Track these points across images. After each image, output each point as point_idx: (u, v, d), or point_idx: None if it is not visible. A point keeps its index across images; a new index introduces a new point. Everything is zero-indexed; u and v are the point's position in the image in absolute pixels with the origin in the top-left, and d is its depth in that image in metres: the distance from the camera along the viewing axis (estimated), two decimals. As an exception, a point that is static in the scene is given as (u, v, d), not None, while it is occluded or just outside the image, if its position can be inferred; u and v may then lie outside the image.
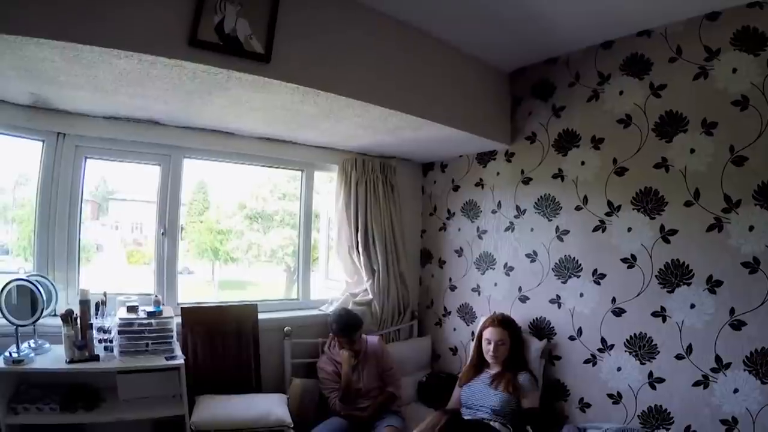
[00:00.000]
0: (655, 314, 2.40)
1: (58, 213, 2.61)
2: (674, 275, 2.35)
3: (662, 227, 2.40)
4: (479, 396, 2.62)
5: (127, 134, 2.73)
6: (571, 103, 2.84)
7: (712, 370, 2.19)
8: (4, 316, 2.14)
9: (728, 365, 2.15)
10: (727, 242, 2.19)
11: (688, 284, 2.30)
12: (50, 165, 2.59)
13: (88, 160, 2.73)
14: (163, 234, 2.91)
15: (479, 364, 2.77)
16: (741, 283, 2.13)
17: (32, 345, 2.26)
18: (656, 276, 2.41)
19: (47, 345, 2.33)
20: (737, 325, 2.13)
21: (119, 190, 3.63)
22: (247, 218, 4.01)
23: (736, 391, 2.12)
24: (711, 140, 2.26)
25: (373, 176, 3.43)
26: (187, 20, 1.86)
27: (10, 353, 2.12)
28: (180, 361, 2.36)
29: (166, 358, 2.36)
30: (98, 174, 3.20)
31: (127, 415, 2.28)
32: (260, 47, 2.01)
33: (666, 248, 2.39)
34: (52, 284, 2.44)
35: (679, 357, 2.30)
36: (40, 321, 2.31)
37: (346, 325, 2.80)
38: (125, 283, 3.40)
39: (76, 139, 2.64)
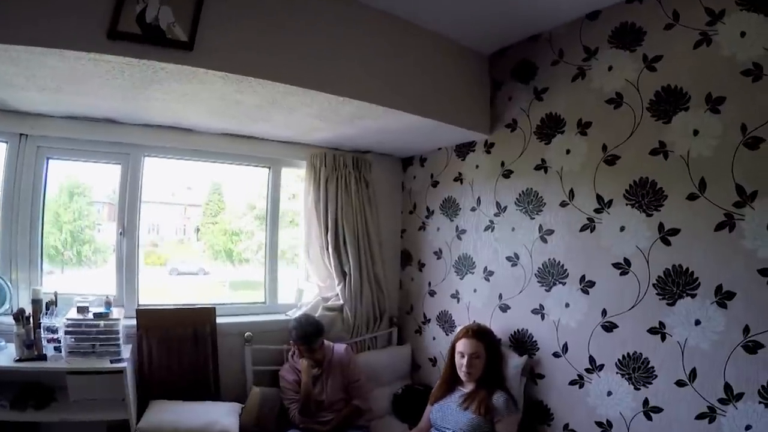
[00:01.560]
0: (652, 331, 1.91)
1: (20, 214, 2.48)
2: (675, 284, 1.85)
3: (661, 226, 1.91)
4: (449, 417, 2.20)
5: (87, 134, 2.55)
6: (555, 84, 2.36)
7: (721, 401, 1.69)
8: None
9: (740, 396, 1.65)
10: (740, 244, 1.69)
11: (693, 295, 1.80)
12: (13, 166, 2.47)
13: (50, 160, 2.58)
14: (121, 234, 2.67)
15: (451, 380, 2.33)
16: (757, 294, 1.63)
17: None
18: (654, 285, 1.92)
19: (3, 342, 2.26)
20: (752, 347, 1.63)
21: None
22: (257, 219, 3.78)
23: (748, 428, 1.63)
24: (718, 119, 1.76)
25: (345, 172, 3.02)
26: (106, 12, 1.68)
27: None
28: (124, 364, 2.19)
29: (111, 361, 2.20)
30: (115, 178, 3.04)
31: (74, 416, 2.17)
32: (183, 35, 1.78)
33: (666, 251, 1.90)
34: (7, 284, 2.36)
35: (680, 383, 1.81)
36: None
37: (304, 332, 2.49)
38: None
39: (38, 140, 2.51)
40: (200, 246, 3.65)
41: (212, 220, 3.64)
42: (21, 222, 2.48)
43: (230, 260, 3.60)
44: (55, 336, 2.20)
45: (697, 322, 1.77)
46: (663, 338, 1.87)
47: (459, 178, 2.90)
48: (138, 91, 2.08)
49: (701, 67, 1.81)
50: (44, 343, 2.18)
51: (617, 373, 2.02)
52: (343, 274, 2.99)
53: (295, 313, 2.92)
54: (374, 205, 3.16)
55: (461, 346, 2.26)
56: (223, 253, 3.61)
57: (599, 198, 2.14)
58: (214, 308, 2.69)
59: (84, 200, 3.01)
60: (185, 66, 1.79)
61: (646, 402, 1.91)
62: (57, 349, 2.20)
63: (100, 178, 2.86)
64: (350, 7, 2.18)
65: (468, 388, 2.24)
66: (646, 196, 1.97)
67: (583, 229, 2.20)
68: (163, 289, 3.23)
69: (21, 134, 2.47)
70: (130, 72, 1.85)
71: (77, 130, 2.52)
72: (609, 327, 2.07)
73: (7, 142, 2.47)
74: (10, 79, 1.94)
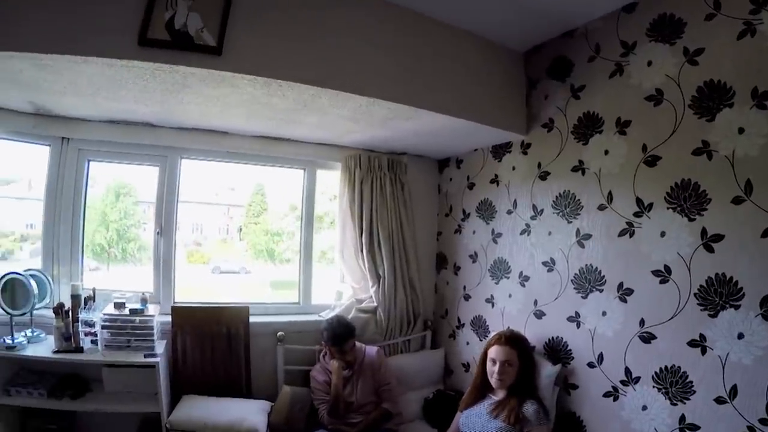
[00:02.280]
0: (692, 343, 1.81)
1: (62, 213, 2.66)
2: (718, 294, 1.74)
3: (704, 231, 1.80)
4: (478, 424, 2.18)
5: (125, 137, 2.69)
6: (592, 81, 2.29)
7: (762, 421, 1.58)
8: (0, 307, 2.24)
9: (788, 418, 1.53)
10: (789, 252, 1.56)
11: (736, 307, 1.68)
12: (55, 168, 2.65)
13: (91, 162, 2.77)
14: (158, 233, 2.83)
15: (482, 386, 2.30)
16: (809, 308, 1.51)
17: (28, 334, 2.36)
18: (695, 294, 1.81)
19: (43, 335, 2.42)
20: (802, 366, 1.51)
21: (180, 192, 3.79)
22: (299, 219, 3.93)
23: (795, 453, 1.50)
24: (765, 115, 1.64)
25: (380, 174, 3.07)
26: (137, 20, 1.78)
27: (4, 340, 2.24)
28: (157, 359, 2.31)
29: (145, 356, 2.33)
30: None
31: (108, 407, 2.31)
32: (212, 40, 1.85)
33: (708, 258, 1.79)
34: (48, 279, 2.51)
35: (719, 400, 1.70)
36: (41, 312, 2.45)
37: (335, 333, 2.56)
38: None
39: (79, 143, 2.69)
40: (242, 245, 3.78)
41: (254, 220, 3.76)
42: (63, 221, 2.67)
43: (271, 260, 3.72)
44: (92, 330, 2.35)
45: (740, 336, 1.66)
46: (703, 351, 1.76)
47: (495, 180, 2.87)
48: (170, 95, 2.17)
49: (746, 60, 1.69)
50: (82, 336, 2.33)
51: (654, 386, 1.92)
52: (377, 277, 3.04)
53: (328, 315, 2.99)
54: (410, 207, 3.18)
55: (493, 352, 2.24)
56: (265, 252, 3.74)
57: (639, 201, 2.05)
58: (248, 307, 2.79)
59: (129, 200, 3.22)
60: (214, 71, 1.87)
61: (682, 419, 1.80)
62: (94, 342, 2.35)
63: (145, 179, 3.03)
64: (380, 7, 2.20)
65: (499, 395, 2.21)
66: (688, 199, 1.87)
67: (621, 233, 2.12)
68: (205, 287, 3.38)
69: (63, 138, 2.66)
70: (162, 77, 1.95)
71: (116, 133, 2.67)
72: (647, 338, 1.97)
73: (49, 145, 2.66)
74: (49, 86, 2.09)
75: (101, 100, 2.27)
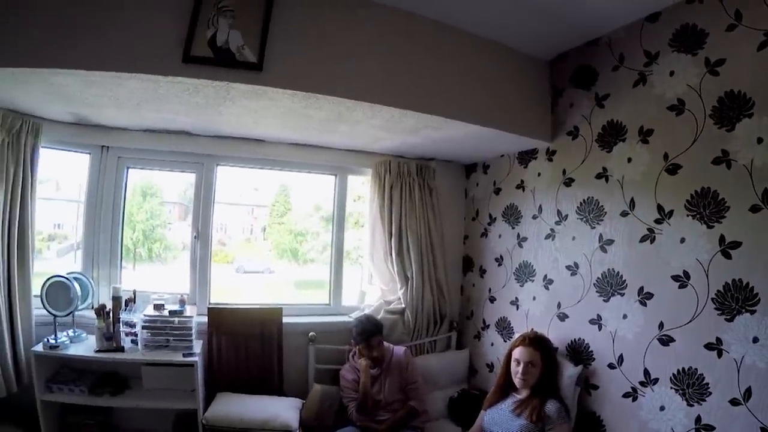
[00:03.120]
0: (709, 346, 1.89)
1: (102, 218, 2.84)
2: (735, 300, 1.82)
3: (722, 238, 1.88)
4: (501, 421, 2.29)
5: (163, 145, 2.88)
6: (616, 90, 2.38)
7: (778, 425, 1.65)
8: (45, 308, 2.39)
9: (800, 420, 1.60)
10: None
11: (752, 312, 1.76)
12: (96, 175, 2.84)
13: (130, 169, 2.95)
14: (195, 237, 3.01)
15: (506, 386, 2.42)
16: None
17: (70, 334, 2.51)
18: (713, 299, 1.89)
19: (84, 335, 2.58)
20: (817, 370, 1.58)
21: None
22: (323, 220, 4.07)
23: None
24: (783, 126, 1.71)
25: (409, 179, 3.22)
26: (181, 38, 1.91)
27: (48, 340, 2.38)
28: (196, 358, 2.45)
29: (184, 355, 2.46)
30: (185, 179, 3.44)
31: (146, 404, 2.46)
32: (253, 56, 1.99)
33: (726, 265, 1.86)
34: (89, 281, 2.67)
35: (734, 402, 1.77)
36: (82, 313, 2.60)
37: (363, 330, 2.68)
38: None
39: (118, 151, 2.88)
40: (266, 245, 3.91)
41: (278, 220, 3.88)
42: (103, 226, 2.84)
43: (295, 259, 3.85)
44: (133, 330, 2.49)
45: (755, 340, 1.73)
46: (719, 354, 1.84)
47: (521, 186, 2.98)
48: (211, 107, 2.32)
49: (766, 71, 1.77)
50: (122, 336, 2.46)
51: (671, 388, 2.01)
52: (405, 279, 3.18)
53: (357, 315, 3.12)
54: (437, 212, 3.31)
55: (517, 353, 2.35)
56: (289, 252, 3.86)
57: (660, 208, 2.14)
58: (281, 309, 2.96)
59: (156, 201, 3.36)
60: (255, 86, 1.99)
61: (698, 419, 1.89)
62: (134, 342, 2.48)
63: (171, 180, 3.17)
64: (410, 21, 2.32)
65: (522, 394, 2.32)
66: (707, 207, 1.95)
67: (643, 239, 2.20)
68: (230, 286, 3.49)
69: (102, 146, 2.82)
70: (204, 92, 2.09)
71: (154, 141, 2.83)
72: (665, 340, 2.06)
73: (89, 153, 2.83)
74: (93, 99, 2.23)
75: (143, 112, 2.45)
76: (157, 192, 3.40)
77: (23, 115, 2.46)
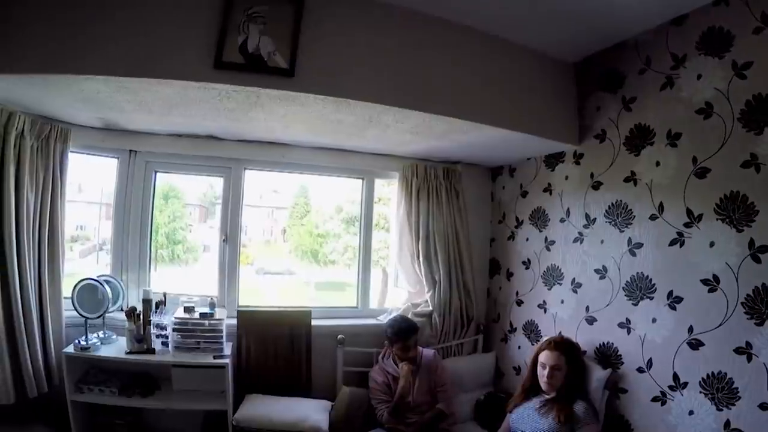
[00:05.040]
0: (738, 351, 1.93)
1: (131, 222, 2.97)
2: (764, 303, 1.86)
3: (751, 242, 1.93)
4: (527, 421, 2.38)
5: (190, 149, 2.99)
6: (643, 93, 2.43)
7: (808, 429, 1.69)
8: (76, 310, 2.50)
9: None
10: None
11: (782, 316, 1.81)
12: (124, 179, 2.98)
13: (158, 173, 3.08)
14: (224, 241, 3.15)
15: (531, 389, 2.50)
16: None
17: (101, 335, 2.64)
18: (742, 303, 1.94)
19: (114, 336, 2.70)
20: None
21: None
22: (344, 221, 4.16)
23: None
24: (811, 130, 1.75)
25: (435, 183, 3.33)
26: (212, 44, 2.00)
27: (79, 341, 2.50)
28: (226, 360, 2.54)
29: (214, 357, 2.56)
30: (206, 181, 3.58)
31: (177, 405, 2.55)
32: (284, 62, 2.07)
33: (756, 269, 1.91)
34: (120, 284, 2.79)
35: (764, 407, 1.82)
36: (112, 315, 2.71)
37: (401, 329, 2.76)
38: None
39: (145, 155, 3.00)
40: (287, 247, 3.98)
41: (299, 222, 3.97)
42: (132, 229, 2.95)
43: (316, 261, 3.92)
44: (164, 332, 2.57)
45: (785, 344, 1.78)
46: (749, 359, 1.89)
47: (548, 189, 3.05)
48: (241, 112, 2.40)
49: (793, 76, 1.81)
50: (153, 338, 2.54)
51: (700, 392, 2.05)
52: (433, 282, 3.28)
53: (385, 318, 3.24)
54: (464, 215, 3.40)
55: (544, 357, 2.43)
56: (309, 254, 3.94)
57: (689, 212, 2.18)
58: (310, 311, 3.06)
59: (178, 203, 3.44)
60: (287, 91, 2.07)
61: (727, 424, 1.93)
62: (164, 344, 2.57)
63: (192, 182, 3.24)
64: (439, 27, 2.40)
65: (547, 396, 2.39)
66: (736, 210, 1.99)
67: (672, 243, 2.25)
68: (251, 288, 3.52)
69: (130, 150, 2.93)
70: (235, 97, 2.16)
71: (182, 146, 2.93)
72: (695, 344, 2.11)
73: (118, 158, 2.94)
74: (122, 105, 2.32)
75: (172, 117, 2.54)
76: (178, 194, 3.47)
77: (52, 120, 2.58)
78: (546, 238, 3.04)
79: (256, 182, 3.41)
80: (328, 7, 2.17)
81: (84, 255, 3.38)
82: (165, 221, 3.37)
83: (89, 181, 3.32)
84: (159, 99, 2.25)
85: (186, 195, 3.53)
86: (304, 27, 2.10)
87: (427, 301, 3.29)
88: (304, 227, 4.07)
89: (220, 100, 2.23)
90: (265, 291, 3.82)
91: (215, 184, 3.73)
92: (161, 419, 2.77)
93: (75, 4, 1.94)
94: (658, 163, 2.35)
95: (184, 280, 3.38)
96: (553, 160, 3.03)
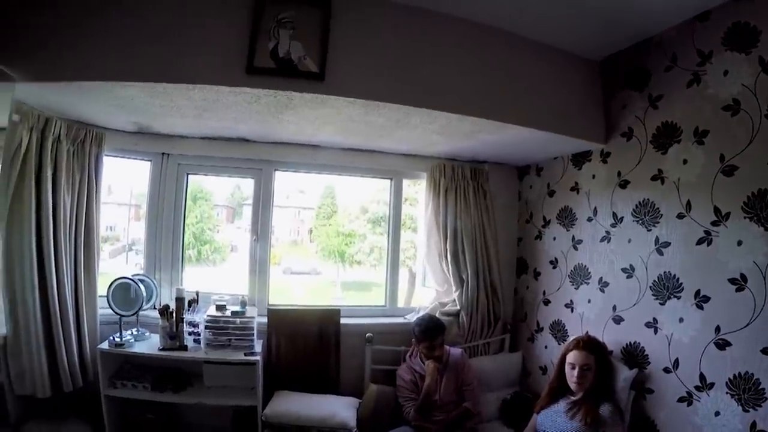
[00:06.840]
0: (766, 351, 1.94)
1: (164, 223, 3.13)
2: (793, 303, 1.87)
3: (780, 240, 1.93)
4: (556, 423, 2.42)
5: (222, 152, 3.14)
6: (669, 91, 2.44)
7: (836, 430, 1.69)
8: (111, 308, 2.65)
9: None
10: None
11: (810, 315, 1.80)
12: (157, 181, 3.14)
13: (189, 175, 3.24)
14: (255, 240, 3.30)
15: (558, 389, 2.54)
16: None
17: (134, 332, 2.78)
18: (770, 303, 1.94)
19: (147, 333, 2.84)
20: None
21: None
22: (370, 222, 4.26)
23: None
24: (838, 127, 1.74)
25: (463, 183, 3.39)
26: (243, 50, 2.10)
27: (113, 338, 2.66)
28: (257, 357, 2.66)
29: (245, 354, 2.68)
30: (233, 182, 3.74)
31: (208, 400, 2.67)
32: (314, 66, 2.16)
33: (784, 268, 1.91)
34: (153, 283, 2.94)
35: (790, 408, 1.82)
36: (146, 312, 2.86)
37: (428, 328, 2.82)
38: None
39: (178, 158, 3.16)
40: (313, 247, 4.10)
41: (325, 222, 4.07)
42: (165, 230, 3.09)
43: (342, 261, 4.03)
44: (196, 330, 2.68)
45: (812, 345, 1.78)
46: (776, 359, 1.89)
47: (575, 188, 3.07)
48: (272, 115, 2.50)
49: (820, 72, 1.81)
50: (185, 335, 2.65)
51: (727, 393, 2.06)
52: (460, 281, 3.35)
53: (413, 317, 3.32)
54: (491, 214, 3.46)
55: (572, 357, 2.47)
56: (336, 254, 4.05)
57: (717, 210, 2.19)
58: (339, 310, 3.18)
59: (206, 204, 3.60)
60: (318, 95, 2.15)
61: (753, 425, 1.94)
62: (196, 341, 2.68)
63: (219, 183, 3.38)
64: (466, 27, 2.46)
65: (575, 397, 2.43)
66: (764, 209, 1.99)
67: (699, 242, 2.26)
68: (278, 287, 3.63)
69: (163, 153, 3.08)
70: (267, 100, 2.26)
71: (213, 148, 3.06)
72: (722, 345, 2.11)
73: (150, 161, 3.10)
74: (157, 110, 2.43)
75: (204, 120, 2.66)
76: (206, 196, 3.62)
77: (87, 125, 2.71)
78: (573, 237, 3.06)
79: (283, 183, 3.53)
80: (354, 11, 2.25)
81: (114, 255, 3.56)
82: (192, 221, 3.49)
83: (119, 182, 3.50)
84: (192, 104, 2.36)
85: (214, 196, 3.67)
86: (332, 31, 2.19)
87: (454, 300, 3.36)
88: (330, 227, 4.18)
89: (250, 104, 2.34)
90: (292, 290, 3.93)
91: (243, 185, 3.93)
92: (191, 414, 2.90)
93: (111, 15, 2.07)
94: (685, 161, 2.35)
95: (212, 280, 3.51)
96: (580, 159, 3.05)
